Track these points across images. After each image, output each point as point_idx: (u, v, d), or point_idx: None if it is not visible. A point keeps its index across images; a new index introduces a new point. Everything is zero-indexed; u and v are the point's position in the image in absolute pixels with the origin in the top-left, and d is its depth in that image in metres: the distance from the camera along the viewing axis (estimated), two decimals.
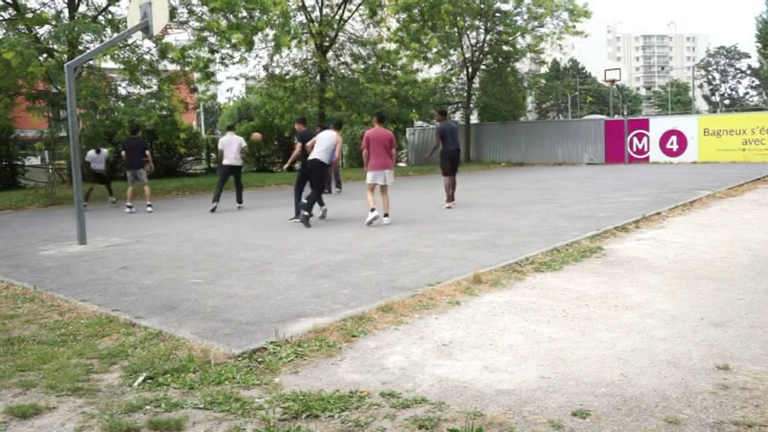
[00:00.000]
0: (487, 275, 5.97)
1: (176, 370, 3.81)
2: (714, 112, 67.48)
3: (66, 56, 15.24)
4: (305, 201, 10.31)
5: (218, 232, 9.83)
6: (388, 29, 25.53)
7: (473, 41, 28.68)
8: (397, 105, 23.85)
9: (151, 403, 3.37)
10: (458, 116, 33.04)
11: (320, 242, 8.44)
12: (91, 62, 15.80)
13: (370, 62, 24.89)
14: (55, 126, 19.00)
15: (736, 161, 21.99)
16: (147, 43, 16.60)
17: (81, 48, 15.60)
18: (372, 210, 9.76)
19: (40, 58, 15.33)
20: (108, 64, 17.56)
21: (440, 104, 30.51)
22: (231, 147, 13.20)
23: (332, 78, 24.71)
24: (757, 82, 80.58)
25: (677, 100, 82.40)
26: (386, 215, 10.00)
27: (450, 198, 12.05)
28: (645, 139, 24.13)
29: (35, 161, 25.73)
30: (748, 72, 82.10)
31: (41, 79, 15.83)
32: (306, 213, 10.01)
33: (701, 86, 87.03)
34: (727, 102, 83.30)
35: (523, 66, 32.44)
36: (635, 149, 24.37)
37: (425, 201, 13.55)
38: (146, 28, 9.33)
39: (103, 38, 15.14)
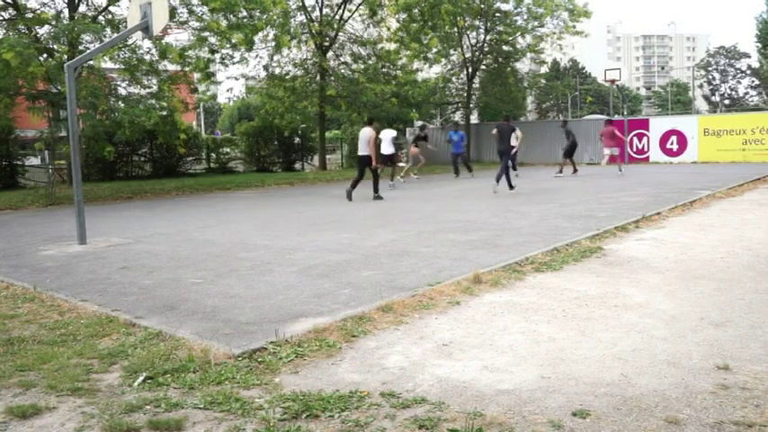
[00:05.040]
0: (487, 275, 5.97)
1: (176, 370, 3.81)
2: (714, 112, 67.47)
3: (66, 56, 15.21)
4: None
5: (218, 232, 9.83)
6: (388, 29, 25.54)
7: (473, 41, 28.64)
8: (397, 105, 23.85)
9: (151, 403, 3.37)
10: (458, 116, 33.01)
11: (320, 242, 8.44)
12: (91, 62, 15.78)
13: (370, 62, 24.89)
14: (55, 126, 18.96)
15: (736, 161, 21.97)
16: (147, 43, 16.61)
17: (81, 48, 15.58)
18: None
19: (40, 58, 15.31)
20: (108, 64, 17.54)
21: (440, 104, 30.56)
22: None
23: (332, 78, 24.72)
24: (757, 82, 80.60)
25: (677, 100, 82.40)
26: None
27: None
28: (645, 139, 24.12)
29: (35, 161, 25.68)
30: (748, 72, 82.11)
31: (41, 79, 15.79)
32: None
33: (701, 86, 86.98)
34: (727, 102, 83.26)
35: (523, 66, 32.39)
36: (635, 149, 24.35)
37: (425, 200, 13.55)
38: (146, 28, 9.32)
39: (103, 38, 15.13)
